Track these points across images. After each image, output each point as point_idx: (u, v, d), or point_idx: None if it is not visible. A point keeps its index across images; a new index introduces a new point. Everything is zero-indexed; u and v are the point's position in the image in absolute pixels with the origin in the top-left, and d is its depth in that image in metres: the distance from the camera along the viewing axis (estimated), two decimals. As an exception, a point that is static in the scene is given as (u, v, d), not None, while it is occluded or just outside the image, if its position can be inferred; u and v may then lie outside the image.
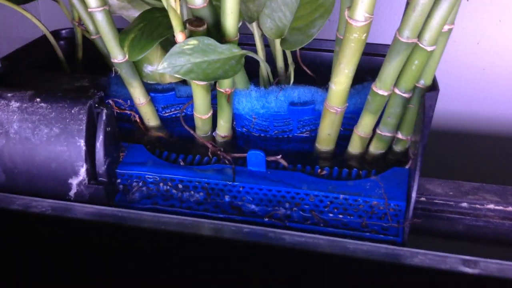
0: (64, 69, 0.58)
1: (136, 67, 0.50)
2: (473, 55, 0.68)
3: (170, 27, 0.44)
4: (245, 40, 0.56)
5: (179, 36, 0.42)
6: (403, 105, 0.46)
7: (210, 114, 0.50)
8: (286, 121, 0.52)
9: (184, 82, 0.54)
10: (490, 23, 0.67)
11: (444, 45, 0.44)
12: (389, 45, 0.57)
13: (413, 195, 0.41)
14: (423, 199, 0.47)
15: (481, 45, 0.68)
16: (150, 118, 0.53)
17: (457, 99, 0.70)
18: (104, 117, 0.45)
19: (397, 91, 0.45)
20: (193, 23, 0.43)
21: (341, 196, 0.43)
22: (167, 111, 0.55)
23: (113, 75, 0.50)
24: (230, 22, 0.43)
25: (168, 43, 0.47)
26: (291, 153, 0.51)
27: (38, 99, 0.45)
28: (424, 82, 0.45)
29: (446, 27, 0.42)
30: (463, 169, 0.71)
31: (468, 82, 0.70)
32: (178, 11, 0.40)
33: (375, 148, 0.49)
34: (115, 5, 0.46)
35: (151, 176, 0.47)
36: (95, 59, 0.57)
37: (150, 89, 0.53)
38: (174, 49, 0.42)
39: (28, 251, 0.45)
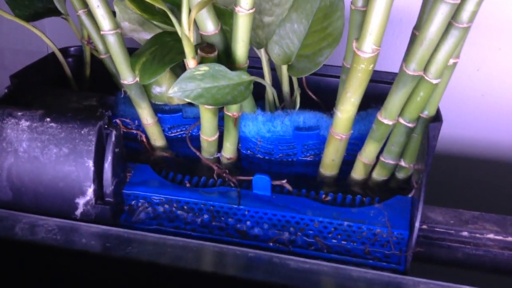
0: (72, 87, 0.59)
1: (145, 88, 0.51)
2: (472, 81, 0.70)
3: (181, 52, 0.44)
4: (251, 63, 0.56)
5: (191, 63, 0.43)
6: (407, 134, 0.47)
7: (216, 136, 0.51)
8: (291, 145, 0.53)
9: (191, 104, 0.55)
10: (490, 50, 0.68)
11: (448, 77, 0.45)
12: (392, 72, 0.58)
13: (416, 224, 0.42)
14: (424, 227, 0.47)
15: (481, 72, 0.69)
16: (157, 139, 0.53)
17: (456, 123, 0.71)
18: (113, 138, 0.46)
19: (401, 120, 0.46)
20: (205, 49, 0.44)
21: (345, 223, 0.44)
22: (173, 131, 0.55)
23: (122, 95, 0.50)
24: (241, 50, 0.44)
25: (177, 65, 0.48)
26: (295, 177, 0.52)
27: (48, 119, 0.46)
28: (428, 112, 0.46)
29: (451, 61, 0.43)
30: (461, 193, 0.72)
31: (467, 107, 0.72)
32: (192, 39, 0.41)
33: (378, 175, 0.50)
34: (127, 27, 0.47)
35: (156, 197, 0.48)
36: (102, 77, 0.58)
37: (158, 109, 0.54)
38: (185, 74, 0.42)
39: (32, 268, 0.45)
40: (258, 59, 0.55)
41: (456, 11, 0.39)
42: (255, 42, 0.50)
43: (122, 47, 0.47)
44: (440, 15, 0.38)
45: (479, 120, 0.72)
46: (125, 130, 0.54)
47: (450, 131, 0.71)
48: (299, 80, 0.56)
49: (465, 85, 0.70)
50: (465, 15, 0.39)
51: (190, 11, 0.40)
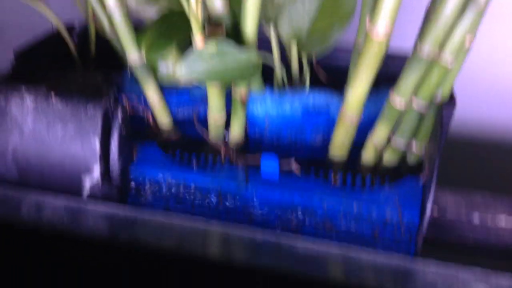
0: (77, 64, 0.58)
1: (152, 67, 0.50)
2: (486, 62, 0.68)
3: (188, 29, 0.43)
4: (260, 42, 0.55)
5: (198, 40, 0.42)
6: (419, 117, 0.46)
7: (223, 114, 0.50)
8: (300, 126, 0.52)
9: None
10: (504, 31, 0.67)
11: (463, 59, 0.44)
12: (402, 53, 0.57)
13: (428, 209, 0.41)
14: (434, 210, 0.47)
15: (495, 53, 0.68)
16: (163, 118, 0.53)
17: (468, 105, 0.70)
18: (119, 118, 0.45)
19: (414, 103, 0.45)
20: (212, 27, 0.43)
21: (355, 205, 0.43)
22: (180, 112, 0.55)
23: (128, 74, 0.50)
24: (250, 26, 0.43)
25: (184, 45, 0.47)
26: (303, 159, 0.51)
27: (53, 98, 0.45)
28: (441, 95, 0.45)
29: (467, 42, 0.42)
30: (473, 175, 0.71)
31: (480, 89, 0.70)
32: (199, 16, 0.40)
33: (389, 158, 0.49)
34: (133, 5, 0.46)
35: (163, 178, 0.47)
36: (107, 54, 0.57)
37: (164, 90, 0.53)
38: (192, 54, 0.42)
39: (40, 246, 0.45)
40: (267, 39, 0.53)
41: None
42: (265, 17, 0.48)
43: (127, 23, 0.46)
44: (458, -7, 0.37)
45: (492, 102, 0.71)
46: (131, 109, 0.53)
47: (462, 113, 0.70)
48: (309, 61, 0.55)
49: (479, 66, 0.68)
50: (483, -7, 0.38)
51: (198, -13, 0.39)
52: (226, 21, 0.44)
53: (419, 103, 0.44)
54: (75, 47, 0.58)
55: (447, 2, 0.38)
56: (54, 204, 0.45)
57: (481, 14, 0.39)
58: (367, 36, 0.41)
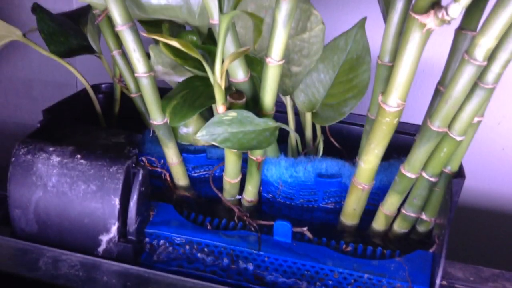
0: (101, 123, 0.61)
1: (172, 128, 0.52)
2: (493, 135, 0.70)
3: (210, 97, 0.46)
4: (276, 107, 0.58)
5: (220, 108, 0.44)
6: (429, 188, 0.47)
7: (239, 178, 0.52)
8: (312, 191, 0.53)
9: (215, 145, 0.56)
10: (510, 105, 0.69)
11: (472, 134, 0.46)
12: (415, 124, 0.59)
13: (437, 281, 0.41)
14: (444, 282, 0.47)
15: (502, 126, 0.70)
16: (180, 178, 0.54)
17: (476, 176, 0.71)
18: (140, 178, 0.47)
19: (424, 174, 0.46)
20: (234, 96, 0.45)
21: (366, 275, 0.44)
22: (196, 171, 0.56)
23: (150, 135, 0.52)
24: (268, 98, 0.45)
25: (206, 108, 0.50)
26: (315, 223, 0.52)
27: (78, 155, 0.47)
28: (451, 168, 0.47)
29: (476, 119, 0.44)
30: (481, 246, 0.71)
31: (487, 161, 0.72)
32: (223, 87, 0.42)
33: (399, 227, 0.50)
34: (160, 70, 0.49)
35: (177, 238, 0.48)
36: (130, 114, 0.60)
37: (183, 149, 0.55)
38: (214, 119, 0.44)
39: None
40: (282, 103, 0.56)
41: (482, 72, 0.40)
42: (282, 89, 0.51)
43: (154, 89, 0.48)
44: (466, 75, 0.39)
45: (500, 174, 0.72)
46: (150, 168, 0.55)
47: (470, 184, 0.71)
48: (322, 127, 0.57)
49: (486, 138, 0.70)
50: (490, 76, 0.40)
51: (223, 60, 0.42)
52: (246, 89, 0.46)
53: (429, 177, 0.46)
54: (100, 105, 0.61)
55: (457, 83, 0.40)
56: (71, 259, 0.46)
57: (489, 93, 0.41)
58: (379, 108, 0.43)
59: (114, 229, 0.46)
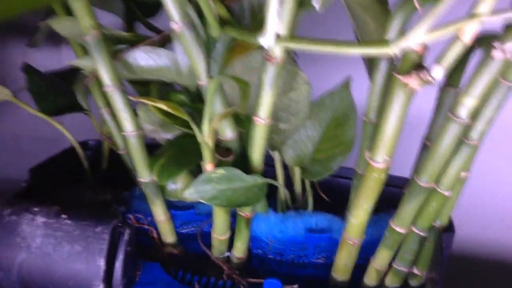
0: (88, 179, 0.60)
1: (160, 186, 0.52)
2: (482, 184, 0.71)
3: (198, 154, 0.46)
4: (265, 163, 0.58)
5: (208, 166, 0.44)
6: (420, 242, 0.47)
7: (228, 235, 0.51)
8: (302, 246, 0.53)
9: (204, 201, 0.56)
10: (495, 156, 0.70)
11: (460, 189, 0.46)
12: (403, 177, 0.59)
13: None
14: None
15: (489, 176, 0.70)
16: (168, 235, 0.53)
17: (465, 225, 0.71)
18: (126, 237, 0.46)
19: (414, 229, 0.46)
20: (222, 153, 0.45)
21: (359, 336, 0.43)
22: (185, 227, 0.56)
23: (137, 192, 0.51)
24: (257, 155, 0.45)
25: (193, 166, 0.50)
26: (305, 279, 0.51)
27: (63, 215, 0.46)
28: (440, 222, 0.46)
29: (463, 174, 0.44)
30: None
31: (477, 210, 0.72)
32: (211, 146, 0.43)
33: (391, 282, 0.49)
34: (148, 128, 0.49)
35: (165, 299, 0.47)
36: (118, 170, 0.59)
37: (171, 205, 0.54)
38: (202, 176, 0.44)
39: None
40: (271, 156, 0.56)
41: (467, 129, 0.40)
42: (270, 145, 0.51)
43: (141, 147, 0.48)
44: (451, 133, 0.40)
45: (489, 222, 0.72)
46: (137, 225, 0.54)
47: (464, 235, 0.71)
48: (312, 181, 0.57)
49: (475, 187, 0.70)
50: (475, 133, 0.40)
51: (211, 120, 0.42)
52: (235, 146, 0.46)
53: (418, 231, 0.46)
54: (88, 162, 0.61)
55: (442, 140, 0.40)
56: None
57: (475, 150, 0.42)
58: (367, 165, 0.43)
59: (99, 292, 0.45)
